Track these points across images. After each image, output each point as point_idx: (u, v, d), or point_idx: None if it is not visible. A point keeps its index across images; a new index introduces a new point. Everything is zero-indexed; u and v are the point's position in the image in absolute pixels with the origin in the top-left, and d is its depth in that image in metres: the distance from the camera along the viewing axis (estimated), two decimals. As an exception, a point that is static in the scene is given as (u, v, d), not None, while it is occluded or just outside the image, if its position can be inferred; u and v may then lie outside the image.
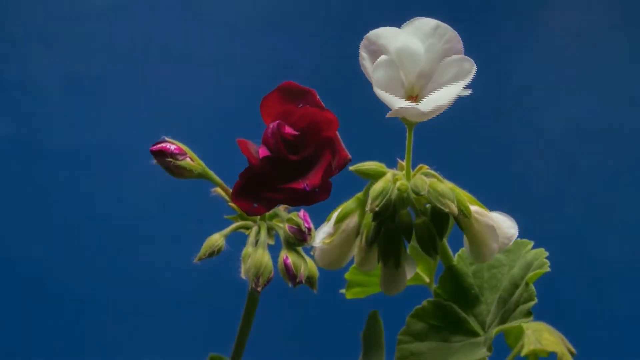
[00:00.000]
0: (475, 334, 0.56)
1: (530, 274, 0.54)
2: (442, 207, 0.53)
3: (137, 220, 1.37)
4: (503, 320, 0.55)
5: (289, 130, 0.54)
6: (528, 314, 0.53)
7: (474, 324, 0.57)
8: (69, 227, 1.37)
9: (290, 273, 0.56)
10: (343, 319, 1.16)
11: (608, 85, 1.41)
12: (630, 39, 1.43)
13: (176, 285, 1.36)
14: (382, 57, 0.53)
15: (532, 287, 0.54)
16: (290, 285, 0.56)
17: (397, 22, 0.56)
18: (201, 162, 0.59)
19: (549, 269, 0.55)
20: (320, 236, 0.58)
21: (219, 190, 0.59)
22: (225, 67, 1.41)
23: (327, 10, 1.43)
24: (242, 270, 0.57)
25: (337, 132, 0.54)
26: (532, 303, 0.53)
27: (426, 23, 0.55)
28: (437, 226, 0.56)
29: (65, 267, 1.36)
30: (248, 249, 0.57)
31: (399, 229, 0.56)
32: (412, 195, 0.55)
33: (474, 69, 0.53)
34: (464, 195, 0.56)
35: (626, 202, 1.38)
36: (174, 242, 1.33)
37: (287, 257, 0.56)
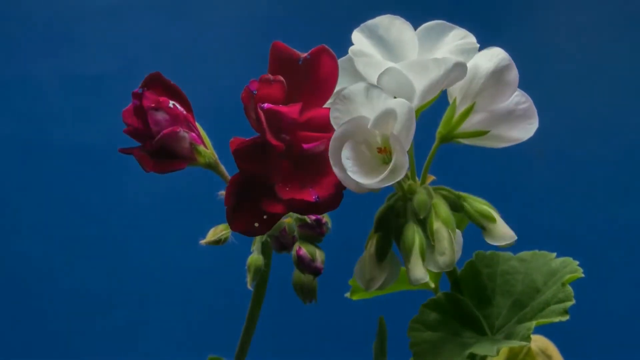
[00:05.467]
0: (484, 334, 0.56)
1: (566, 277, 0.55)
2: (434, 243, 0.50)
3: (137, 220, 1.37)
4: (521, 322, 0.55)
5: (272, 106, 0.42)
6: (564, 312, 0.54)
7: (484, 323, 0.57)
8: (69, 226, 1.37)
9: (305, 261, 0.53)
10: (346, 319, 1.16)
11: (608, 84, 1.41)
12: (630, 38, 1.42)
13: (176, 286, 1.36)
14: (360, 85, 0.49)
15: (570, 288, 0.55)
16: (307, 273, 0.53)
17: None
18: (214, 153, 0.55)
19: (582, 275, 0.55)
20: None
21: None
22: (225, 66, 1.41)
23: (328, 10, 1.43)
24: (248, 280, 0.55)
25: None
26: (569, 303, 0.54)
27: (443, 26, 0.53)
28: None
29: (65, 266, 1.36)
30: (252, 256, 0.55)
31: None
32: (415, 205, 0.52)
33: (474, 42, 0.51)
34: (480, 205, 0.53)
35: (627, 201, 1.38)
36: (175, 242, 1.33)
37: (300, 247, 0.54)
